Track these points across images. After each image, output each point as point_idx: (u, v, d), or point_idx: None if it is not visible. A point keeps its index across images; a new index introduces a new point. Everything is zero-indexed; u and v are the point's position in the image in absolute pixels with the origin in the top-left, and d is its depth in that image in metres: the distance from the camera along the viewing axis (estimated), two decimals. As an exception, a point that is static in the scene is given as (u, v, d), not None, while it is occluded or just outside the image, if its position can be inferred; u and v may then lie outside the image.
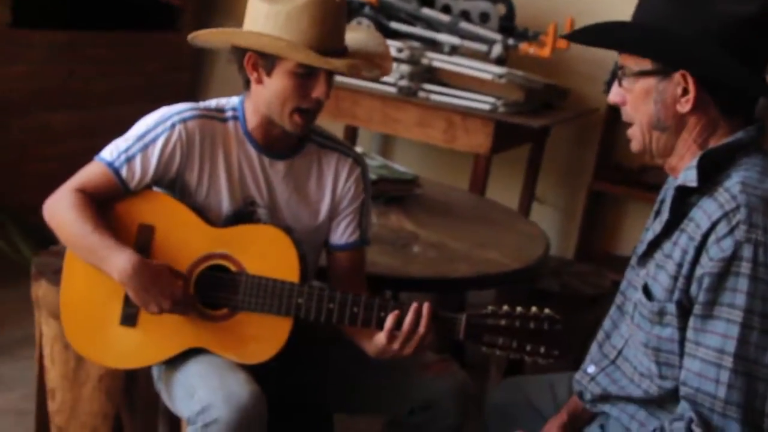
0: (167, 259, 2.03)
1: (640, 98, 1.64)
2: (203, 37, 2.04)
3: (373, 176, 2.86)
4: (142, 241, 2.05)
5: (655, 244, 1.73)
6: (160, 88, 4.59)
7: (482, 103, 3.71)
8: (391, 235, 2.71)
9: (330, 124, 4.50)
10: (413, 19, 4.01)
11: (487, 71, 3.74)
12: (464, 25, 3.95)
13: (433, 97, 3.80)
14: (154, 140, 2.04)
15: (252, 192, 2.11)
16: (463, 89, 3.77)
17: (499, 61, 3.93)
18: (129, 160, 2.04)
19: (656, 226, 1.74)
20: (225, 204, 2.09)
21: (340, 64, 1.94)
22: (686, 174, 1.63)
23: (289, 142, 2.13)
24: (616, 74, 1.72)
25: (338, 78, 3.81)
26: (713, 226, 1.56)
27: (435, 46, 4.01)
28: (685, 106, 1.61)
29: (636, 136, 1.69)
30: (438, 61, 3.86)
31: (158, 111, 2.08)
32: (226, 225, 2.08)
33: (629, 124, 1.72)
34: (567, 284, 3.08)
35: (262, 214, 2.13)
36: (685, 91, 1.60)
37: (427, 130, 3.86)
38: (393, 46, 3.83)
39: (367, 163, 2.25)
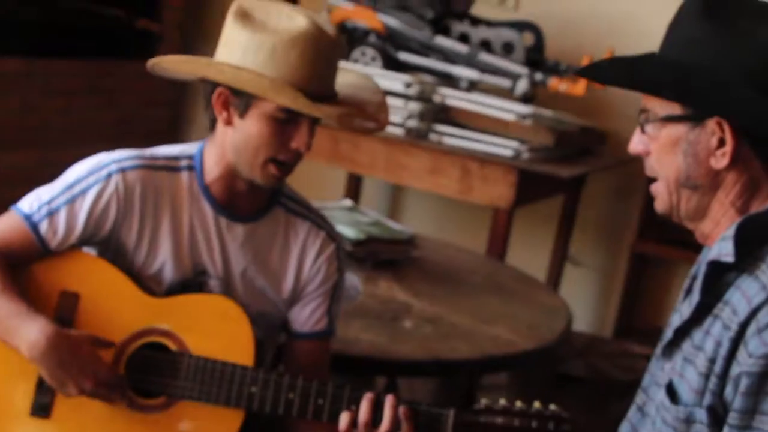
0: (96, 332, 1.95)
1: (666, 149, 1.58)
2: (169, 65, 1.97)
3: (361, 235, 2.78)
4: (63, 311, 1.97)
5: (683, 332, 1.64)
6: (134, 126, 4.54)
7: (504, 147, 3.69)
8: (378, 307, 2.65)
9: (326, 170, 4.47)
10: (425, 49, 3.96)
11: (511, 110, 3.73)
12: (485, 56, 3.92)
13: (447, 140, 3.78)
14: (83, 192, 1.98)
15: (203, 259, 2.04)
16: (482, 131, 3.74)
17: (525, 99, 3.89)
18: (51, 213, 1.98)
19: (685, 309, 1.64)
20: (169, 272, 2.02)
21: (331, 112, 1.88)
22: (721, 246, 1.54)
23: (254, 201, 2.06)
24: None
25: None
26: (754, 312, 1.48)
27: (450, 80, 3.99)
28: (720, 161, 1.54)
29: (661, 194, 1.62)
30: (453, 98, 3.83)
31: (93, 157, 2.03)
32: (168, 295, 2.02)
33: (653, 179, 1.65)
34: (596, 367, 2.96)
35: (214, 287, 2.05)
36: (722, 143, 1.53)
37: (438, 178, 3.82)
38: (400, 80, 3.79)
39: (342, 239, 2.18)
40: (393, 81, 3.79)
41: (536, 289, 3.06)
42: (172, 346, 1.96)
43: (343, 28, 4.04)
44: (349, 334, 2.42)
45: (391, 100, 3.73)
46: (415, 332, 2.52)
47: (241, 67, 1.87)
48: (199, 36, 4.79)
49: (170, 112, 4.81)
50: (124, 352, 1.96)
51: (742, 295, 1.52)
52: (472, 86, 3.96)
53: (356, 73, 2.10)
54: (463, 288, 2.92)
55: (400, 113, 3.78)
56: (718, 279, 1.57)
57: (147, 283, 2.02)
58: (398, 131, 3.81)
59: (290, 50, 1.85)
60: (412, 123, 3.78)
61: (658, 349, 1.74)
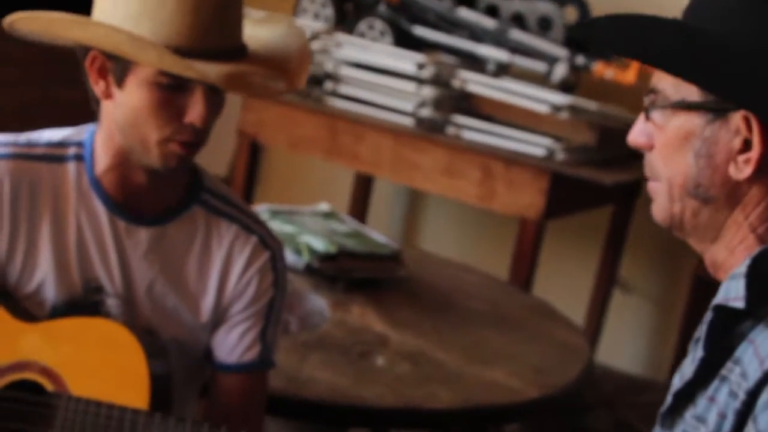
0: None
1: (673, 144, 1.43)
2: (24, 25, 1.82)
3: (331, 248, 2.63)
4: None
5: (685, 396, 1.49)
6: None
7: (535, 146, 3.59)
8: (345, 338, 2.54)
9: (330, 169, 4.30)
10: (445, 23, 3.82)
11: (545, 101, 3.61)
12: (516, 34, 3.80)
13: (467, 134, 3.69)
14: None
15: (97, 272, 1.91)
16: (510, 125, 3.63)
17: (564, 88, 3.76)
18: None
19: (687, 367, 1.51)
20: (51, 290, 1.89)
21: (212, 72, 1.72)
22: (729, 286, 1.40)
23: (161, 198, 1.92)
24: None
25: (337, 104, 3.63)
26: (767, 377, 1.33)
27: (474, 62, 3.86)
28: (742, 170, 1.39)
29: (660, 199, 1.48)
30: (476, 83, 3.72)
31: None
32: (48, 319, 1.90)
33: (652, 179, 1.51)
34: (625, 422, 2.78)
35: (113, 307, 1.92)
36: (747, 146, 1.38)
37: (455, 181, 3.73)
38: (411, 59, 3.64)
39: (281, 246, 2.02)
40: (403, 60, 3.65)
41: (552, 322, 2.93)
42: (48, 386, 1.84)
43: (349, -7, 3.90)
44: (304, 371, 2.31)
45: (400, 84, 3.65)
46: (388, 372, 2.41)
47: (100, 23, 1.74)
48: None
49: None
50: None
51: (754, 354, 1.36)
52: (501, 70, 3.83)
53: (286, 23, 1.94)
54: (457, 318, 2.79)
55: (411, 100, 3.70)
56: (729, 329, 1.41)
57: (24, 305, 1.89)
58: (408, 122, 3.71)
59: None
60: (425, 112, 3.69)
61: (658, 417, 1.59)
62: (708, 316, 1.44)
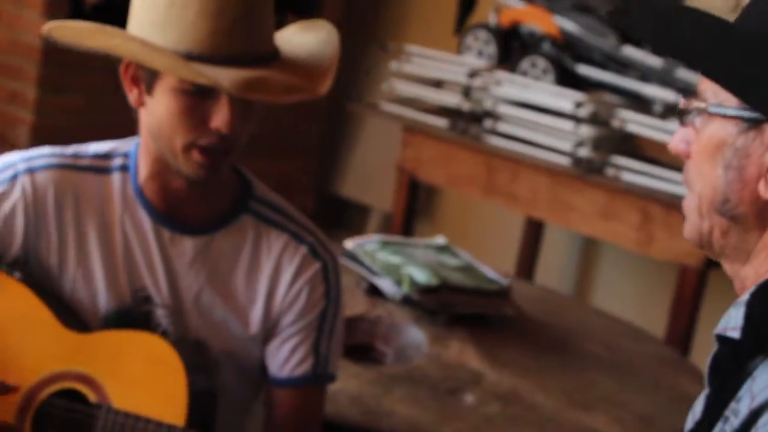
0: (2, 376, 1.83)
1: (706, 152, 1.32)
2: (58, 34, 1.83)
3: (433, 280, 2.51)
4: None
5: None
6: (280, 140, 4.45)
7: None
8: (437, 373, 2.42)
9: (501, 213, 4.19)
10: (610, 62, 3.66)
11: None
12: (684, 73, 3.59)
13: (627, 176, 3.55)
14: None
15: (145, 281, 1.90)
16: (672, 168, 3.46)
17: None
18: None
19: (697, 406, 1.39)
20: (103, 299, 1.89)
21: (225, 78, 1.70)
22: (730, 313, 1.29)
23: (206, 206, 1.91)
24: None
25: (495, 142, 3.56)
26: (754, 416, 1.23)
27: (638, 102, 3.69)
28: None
29: (690, 215, 1.37)
30: (637, 124, 3.57)
31: (5, 155, 1.92)
32: (104, 329, 1.90)
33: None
34: None
35: (162, 318, 1.91)
36: None
37: (612, 224, 3.62)
38: (569, 98, 3.50)
39: (335, 257, 1.97)
40: (561, 99, 3.55)
41: (676, 371, 2.73)
42: (91, 396, 1.83)
43: (514, 32, 3.80)
44: (384, 404, 2.23)
45: (558, 123, 3.54)
46: (475, 411, 2.31)
47: (117, 30, 1.77)
48: (367, 39, 4.64)
49: (322, 128, 4.68)
50: (32, 401, 1.84)
51: (749, 390, 1.24)
52: (668, 111, 3.62)
53: (326, 30, 1.91)
54: (565, 360, 2.65)
55: (569, 139, 3.58)
56: (740, 363, 1.28)
57: (81, 315, 1.89)
58: (565, 161, 3.60)
59: (189, 2, 1.73)
60: (583, 152, 3.58)
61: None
62: (714, 347, 1.32)
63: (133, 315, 1.89)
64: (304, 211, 4.77)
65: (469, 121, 3.72)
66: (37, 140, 3.61)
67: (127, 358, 1.84)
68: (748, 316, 1.23)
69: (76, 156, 1.90)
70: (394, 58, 3.92)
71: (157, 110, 1.78)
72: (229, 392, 1.91)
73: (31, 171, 1.87)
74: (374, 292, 2.61)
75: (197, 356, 1.88)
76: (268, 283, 1.90)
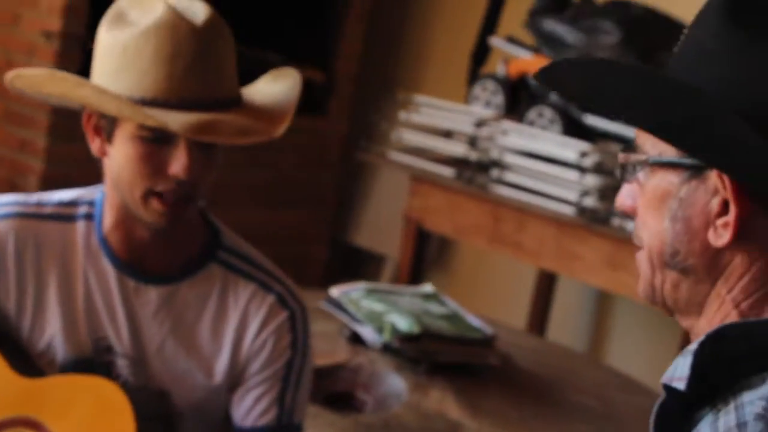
0: None
1: (651, 205, 1.26)
2: (17, 83, 1.85)
3: (414, 328, 2.47)
4: None
5: None
6: (291, 190, 4.42)
7: None
8: (414, 423, 2.39)
9: (512, 266, 4.14)
10: None
11: None
12: None
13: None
14: None
15: (106, 331, 1.88)
16: None
17: None
18: None
19: None
20: (60, 348, 1.88)
21: (175, 121, 1.70)
22: (678, 362, 1.21)
23: (172, 256, 1.89)
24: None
25: (501, 191, 3.53)
26: None
27: None
28: (722, 235, 1.21)
29: (643, 270, 1.30)
30: None
31: None
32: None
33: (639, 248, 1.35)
34: None
35: (123, 368, 1.89)
36: (726, 207, 1.20)
37: (619, 274, 3.53)
38: (574, 148, 3.45)
39: (304, 307, 1.94)
40: (566, 148, 3.51)
41: None
42: None
43: (522, 83, 3.78)
44: None
45: (563, 172, 3.49)
46: None
47: (68, 76, 1.78)
48: (382, 89, 4.64)
49: (335, 178, 4.67)
50: None
51: None
52: None
53: (292, 77, 1.93)
54: (552, 410, 2.60)
55: (574, 189, 3.52)
56: (686, 413, 1.22)
57: (38, 362, 1.87)
58: (570, 211, 3.53)
59: (143, 49, 1.73)
60: (589, 202, 3.52)
61: None
62: (662, 396, 1.25)
63: (93, 365, 1.86)
64: (318, 261, 4.78)
65: (475, 171, 3.69)
66: (47, 188, 3.63)
67: (77, 402, 1.82)
68: (695, 367, 1.16)
69: (39, 204, 1.89)
70: (404, 108, 3.91)
71: (117, 158, 1.77)
72: None
73: None
74: (356, 340, 2.58)
75: (160, 406, 1.87)
76: (235, 333, 1.88)
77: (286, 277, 1.93)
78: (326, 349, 2.52)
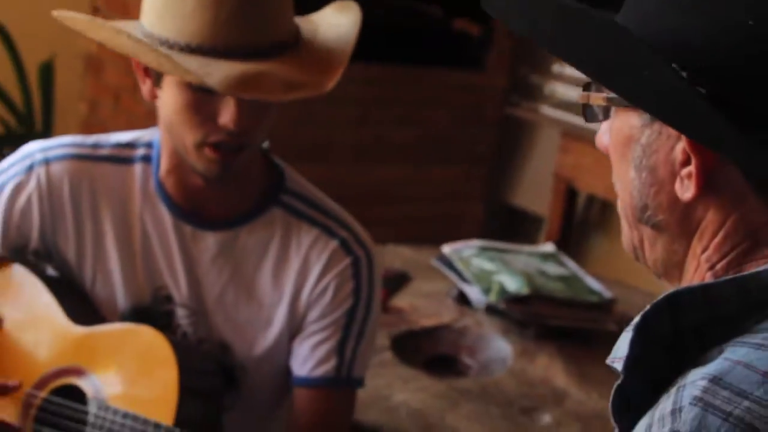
0: (10, 371, 1.78)
1: (616, 152, 1.13)
2: (70, 23, 1.75)
3: (523, 289, 2.30)
4: None
5: None
6: (444, 148, 4.30)
7: None
8: (516, 389, 2.23)
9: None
10: None
11: None
12: None
13: None
14: (1, 188, 1.82)
15: (165, 280, 1.81)
16: None
17: None
18: None
19: None
20: (120, 295, 1.81)
21: (216, 75, 1.59)
22: (622, 339, 1.07)
23: (231, 201, 1.80)
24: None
25: (556, 115, 3.30)
26: None
27: None
28: (688, 187, 1.06)
29: (623, 224, 1.17)
30: None
31: (25, 145, 1.86)
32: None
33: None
34: None
35: (182, 318, 1.82)
36: (688, 159, 1.05)
37: None
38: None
39: (370, 253, 1.83)
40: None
41: None
42: (89, 392, 1.75)
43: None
44: (447, 420, 2.07)
45: None
46: None
47: (109, 24, 1.68)
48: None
49: (494, 135, 4.50)
50: (35, 398, 1.78)
51: None
52: None
53: (354, 13, 1.78)
54: None
55: None
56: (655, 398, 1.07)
57: (100, 309, 1.82)
58: None
59: None
60: None
61: None
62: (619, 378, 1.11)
63: (152, 314, 1.80)
64: (474, 220, 4.61)
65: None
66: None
67: (125, 353, 1.76)
68: (634, 344, 1.01)
69: (95, 146, 1.82)
70: (557, 60, 3.72)
71: (167, 104, 1.69)
72: (254, 394, 1.81)
73: (46, 161, 1.80)
74: (463, 300, 2.43)
75: (221, 359, 1.79)
76: (296, 279, 1.79)
77: (353, 222, 1.83)
78: (432, 309, 2.39)
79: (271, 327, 1.80)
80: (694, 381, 0.97)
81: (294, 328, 1.80)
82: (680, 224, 1.07)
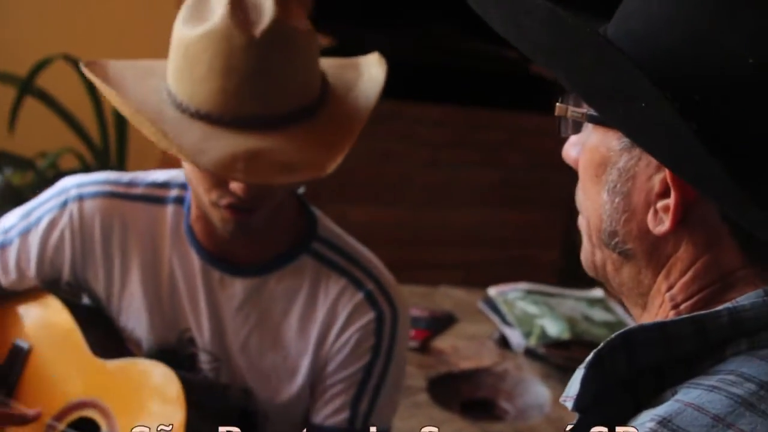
0: (34, 400, 1.80)
1: (589, 169, 1.08)
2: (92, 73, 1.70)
3: (564, 334, 2.27)
4: (9, 366, 1.84)
5: None
6: (521, 191, 4.27)
7: None
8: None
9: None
10: None
11: None
12: None
13: None
14: (37, 221, 1.82)
15: (190, 324, 1.78)
16: None
17: None
18: (4, 246, 1.83)
19: None
20: (144, 335, 1.79)
21: (213, 153, 1.52)
22: (575, 377, 1.04)
23: (260, 248, 1.75)
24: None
25: None
26: None
27: None
28: (662, 221, 1.02)
29: (584, 241, 1.13)
30: None
31: (63, 180, 1.86)
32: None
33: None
34: None
35: (204, 363, 1.79)
36: (666, 191, 1.01)
37: None
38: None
39: (397, 309, 1.76)
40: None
41: None
42: (104, 427, 1.75)
43: None
44: None
45: None
46: None
47: (110, 89, 1.60)
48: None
49: (569, 178, 4.45)
50: (53, 430, 1.78)
51: None
52: None
53: (378, 69, 1.71)
54: None
55: None
56: None
57: (128, 345, 1.82)
58: None
59: (201, 55, 1.55)
60: None
61: None
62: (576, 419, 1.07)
63: (177, 356, 1.78)
64: (548, 265, 4.56)
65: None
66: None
67: (139, 390, 1.74)
68: (586, 382, 0.98)
69: (130, 184, 1.80)
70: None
71: (187, 165, 1.66)
72: None
73: (80, 198, 1.79)
74: (505, 343, 2.39)
75: (243, 405, 1.77)
76: (320, 329, 1.75)
77: (384, 275, 1.78)
78: (472, 352, 2.36)
79: (296, 376, 1.77)
80: (643, 423, 0.94)
81: (315, 375, 1.77)
82: (649, 256, 1.03)
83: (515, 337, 2.35)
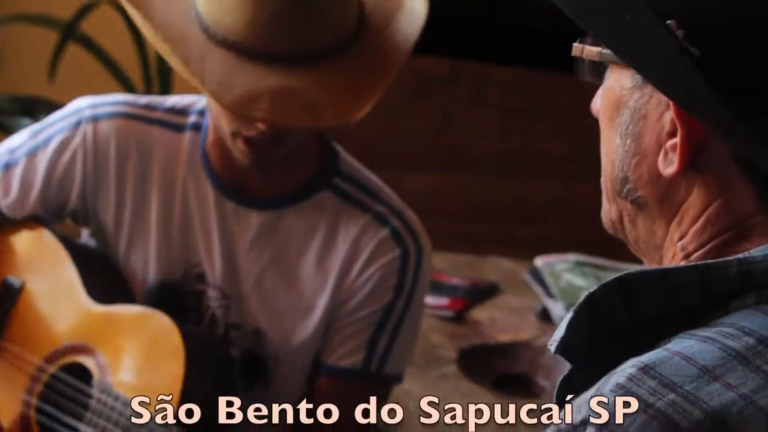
0: (24, 340, 1.80)
1: (605, 115, 1.08)
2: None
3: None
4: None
5: None
6: (592, 163, 4.12)
7: None
8: None
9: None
10: None
11: None
12: None
13: None
14: (47, 142, 1.79)
15: (201, 258, 1.76)
16: None
17: None
18: (9, 165, 1.80)
19: None
20: (151, 268, 1.78)
21: (237, 90, 1.54)
22: (564, 320, 1.04)
23: (278, 180, 1.75)
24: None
25: None
26: None
27: None
28: (672, 161, 1.02)
29: (603, 197, 1.14)
30: None
31: (76, 100, 1.82)
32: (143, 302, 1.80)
33: None
34: None
35: (213, 300, 1.77)
36: (676, 130, 1.01)
37: None
38: None
39: (421, 247, 1.77)
40: None
41: None
42: (95, 373, 1.74)
43: None
44: None
45: None
46: None
47: (145, 17, 1.60)
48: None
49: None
50: (43, 374, 1.78)
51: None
52: None
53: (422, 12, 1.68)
54: None
55: None
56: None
57: (130, 283, 1.79)
58: None
59: None
60: None
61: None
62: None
63: (181, 291, 1.77)
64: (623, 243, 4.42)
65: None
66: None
67: (136, 338, 1.73)
68: (572, 325, 0.97)
69: (148, 107, 1.78)
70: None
71: None
72: (284, 387, 1.76)
73: (95, 118, 1.76)
74: (547, 316, 2.28)
75: (253, 347, 1.75)
76: (341, 267, 1.74)
77: (408, 212, 1.77)
78: (511, 324, 2.25)
79: (311, 316, 1.75)
80: (624, 368, 0.92)
81: (331, 314, 1.75)
82: (660, 203, 1.03)
83: (557, 309, 2.24)
